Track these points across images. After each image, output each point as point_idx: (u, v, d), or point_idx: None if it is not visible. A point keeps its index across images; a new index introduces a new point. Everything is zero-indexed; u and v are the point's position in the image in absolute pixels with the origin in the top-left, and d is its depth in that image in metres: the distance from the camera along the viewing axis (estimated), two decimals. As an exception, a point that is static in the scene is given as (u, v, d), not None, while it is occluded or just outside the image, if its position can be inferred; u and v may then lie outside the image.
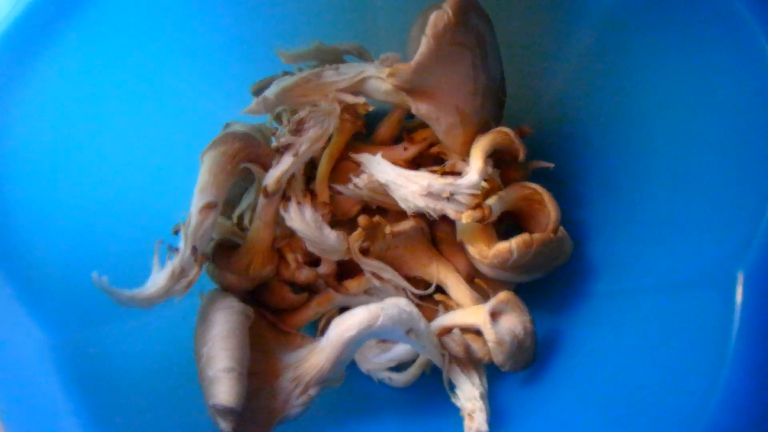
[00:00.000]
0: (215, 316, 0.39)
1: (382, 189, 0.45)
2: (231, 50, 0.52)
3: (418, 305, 0.46)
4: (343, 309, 0.48)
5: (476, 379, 0.44)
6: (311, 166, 0.48)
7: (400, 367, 0.48)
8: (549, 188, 0.45)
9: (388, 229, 0.46)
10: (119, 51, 0.46)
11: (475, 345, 0.44)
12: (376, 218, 0.46)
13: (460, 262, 0.49)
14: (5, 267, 0.38)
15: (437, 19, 0.39)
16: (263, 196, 0.44)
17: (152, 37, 0.48)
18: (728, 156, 0.37)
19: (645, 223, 0.43)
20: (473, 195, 0.42)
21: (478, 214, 0.41)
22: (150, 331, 0.44)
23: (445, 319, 0.45)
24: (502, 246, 0.43)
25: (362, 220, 0.45)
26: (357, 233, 0.46)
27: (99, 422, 0.37)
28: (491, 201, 0.43)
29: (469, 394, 0.43)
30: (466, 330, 0.44)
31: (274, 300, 0.47)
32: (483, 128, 0.45)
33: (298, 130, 0.43)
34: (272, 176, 0.43)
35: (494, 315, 0.43)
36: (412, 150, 0.48)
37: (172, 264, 0.38)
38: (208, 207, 0.40)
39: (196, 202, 0.40)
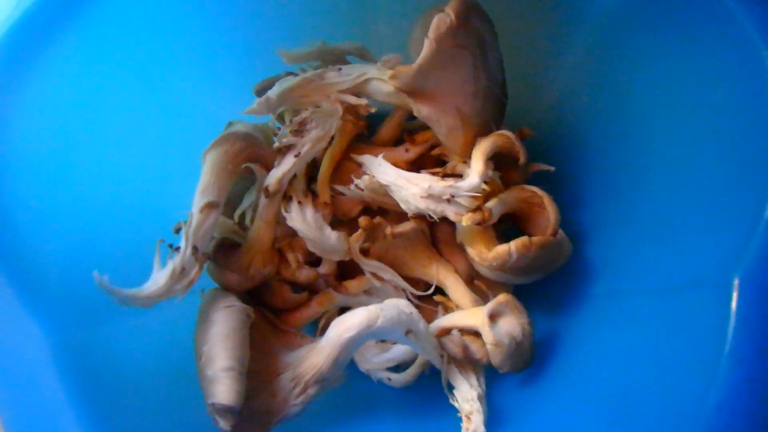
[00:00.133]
0: (215, 315, 0.39)
1: (383, 190, 0.45)
2: (233, 50, 0.52)
3: (417, 306, 0.46)
4: (343, 309, 0.48)
5: (474, 381, 0.44)
6: (313, 166, 0.48)
7: (399, 367, 0.48)
8: (548, 189, 0.45)
9: (388, 230, 0.46)
10: (120, 51, 0.46)
11: (474, 346, 0.44)
12: (377, 219, 0.46)
13: (459, 263, 0.49)
14: (5, 267, 0.39)
15: (439, 21, 0.39)
16: (264, 196, 0.44)
17: (153, 37, 0.47)
18: (726, 159, 0.37)
19: (643, 225, 0.43)
20: (473, 197, 0.42)
21: (478, 216, 0.42)
22: (150, 330, 0.44)
23: (444, 321, 0.45)
24: (502, 248, 0.43)
25: (363, 220, 0.45)
26: (357, 234, 0.46)
27: (99, 422, 0.37)
28: (491, 203, 0.43)
29: (466, 396, 0.43)
30: (464, 331, 0.44)
31: (275, 299, 0.47)
32: (484, 130, 0.45)
33: (300, 130, 0.43)
34: (274, 176, 0.43)
35: (493, 317, 0.43)
36: (413, 151, 0.49)
37: (173, 263, 0.38)
38: (210, 207, 0.40)
39: (198, 201, 0.40)
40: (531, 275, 0.46)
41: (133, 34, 0.46)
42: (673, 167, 0.41)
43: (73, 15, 0.42)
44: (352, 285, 0.48)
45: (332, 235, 0.45)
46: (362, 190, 0.46)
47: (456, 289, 0.48)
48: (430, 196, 0.42)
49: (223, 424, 0.36)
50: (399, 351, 0.47)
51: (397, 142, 0.51)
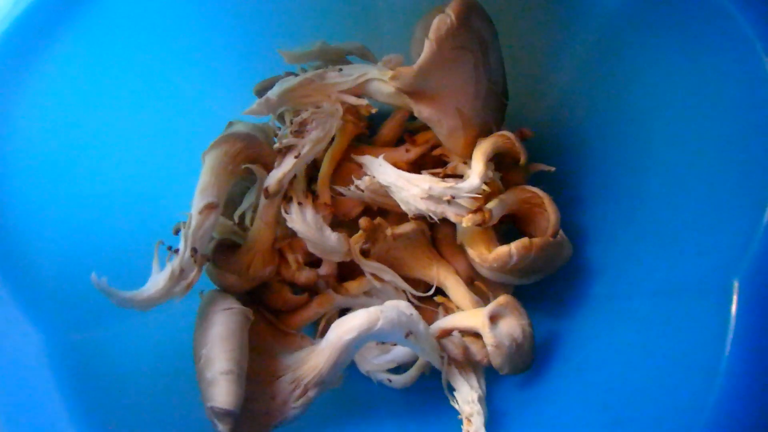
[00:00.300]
0: (215, 317, 0.39)
1: (384, 191, 0.45)
2: (234, 50, 0.52)
3: (417, 307, 0.46)
4: (343, 310, 0.48)
5: (474, 382, 0.44)
6: (313, 167, 0.48)
7: (399, 368, 0.48)
8: (548, 190, 0.45)
9: (389, 231, 0.46)
10: (120, 50, 0.46)
11: (474, 347, 0.44)
12: (377, 220, 0.46)
13: (460, 264, 0.49)
14: (3, 268, 0.38)
15: (440, 22, 0.39)
16: (264, 196, 0.44)
17: (153, 37, 0.47)
18: (727, 160, 0.38)
19: (643, 227, 0.43)
20: (474, 198, 0.42)
21: (478, 217, 0.41)
22: (148, 332, 0.43)
23: (444, 322, 0.45)
24: (502, 250, 0.43)
25: (363, 221, 0.45)
26: (358, 235, 0.46)
27: (96, 423, 0.37)
28: (492, 204, 0.43)
29: (467, 397, 0.43)
30: (465, 332, 0.44)
31: (274, 301, 0.47)
32: (484, 130, 0.45)
33: (300, 131, 0.43)
34: (274, 177, 0.43)
35: (493, 318, 0.43)
36: (414, 152, 0.48)
37: (172, 265, 0.38)
38: (209, 208, 0.40)
39: (197, 202, 0.40)
40: (531, 276, 0.46)
41: (132, 33, 0.46)
42: (673, 168, 0.41)
43: (72, 14, 0.42)
44: (353, 286, 0.48)
45: (332, 236, 0.45)
46: (362, 190, 0.46)
47: (456, 290, 0.48)
48: (430, 197, 0.42)
49: (221, 427, 0.36)
50: (399, 352, 0.47)
51: (397, 142, 0.51)
